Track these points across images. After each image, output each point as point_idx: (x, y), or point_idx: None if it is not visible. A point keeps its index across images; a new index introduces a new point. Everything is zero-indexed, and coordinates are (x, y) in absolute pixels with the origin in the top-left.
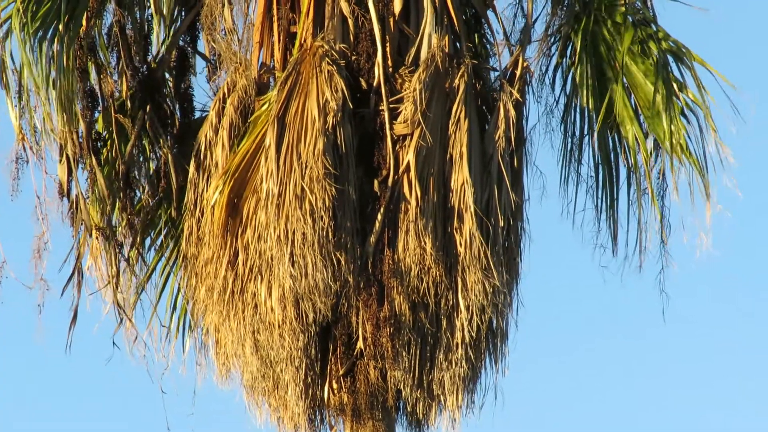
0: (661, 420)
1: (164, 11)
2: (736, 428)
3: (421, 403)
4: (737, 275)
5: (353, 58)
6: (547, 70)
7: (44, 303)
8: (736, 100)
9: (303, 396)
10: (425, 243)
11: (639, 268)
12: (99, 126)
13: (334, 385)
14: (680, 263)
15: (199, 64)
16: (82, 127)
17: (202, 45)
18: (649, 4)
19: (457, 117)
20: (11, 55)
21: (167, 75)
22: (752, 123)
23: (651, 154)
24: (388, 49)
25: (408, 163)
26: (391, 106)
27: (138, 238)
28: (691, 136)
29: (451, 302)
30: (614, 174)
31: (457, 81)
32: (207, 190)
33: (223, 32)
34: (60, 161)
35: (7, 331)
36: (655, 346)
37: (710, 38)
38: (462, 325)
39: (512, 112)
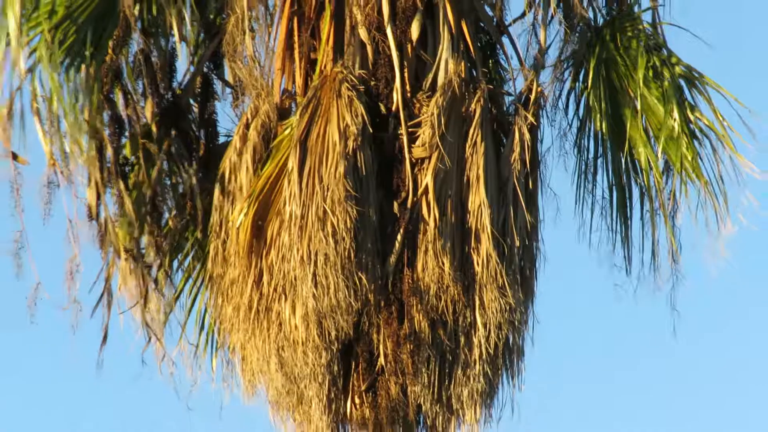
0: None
1: (188, 40)
2: None
3: (440, 417)
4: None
5: (372, 83)
6: (560, 94)
7: (77, 323)
8: (750, 122)
9: (326, 411)
10: (443, 263)
11: (654, 286)
12: (126, 151)
13: (357, 400)
14: (696, 280)
15: (223, 90)
16: (109, 152)
17: (226, 72)
18: (659, 29)
19: (473, 140)
20: (41, 83)
21: (192, 101)
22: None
23: (663, 175)
24: (406, 74)
25: (426, 185)
26: (409, 129)
27: (166, 260)
28: (704, 158)
29: (468, 320)
30: (627, 195)
31: (473, 105)
32: (232, 213)
33: (246, 59)
34: (89, 185)
35: (41, 351)
36: (669, 363)
37: (722, 62)
38: (479, 341)
39: (527, 136)
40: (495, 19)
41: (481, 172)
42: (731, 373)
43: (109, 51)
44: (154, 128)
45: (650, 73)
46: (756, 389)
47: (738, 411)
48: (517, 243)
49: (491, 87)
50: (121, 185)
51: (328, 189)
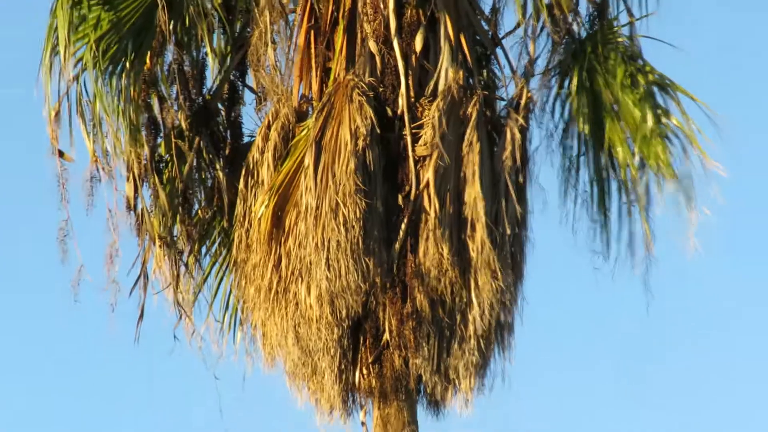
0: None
1: (217, 51)
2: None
3: (439, 387)
4: (725, 274)
5: (380, 89)
6: (547, 99)
7: (116, 302)
8: (716, 124)
9: (337, 380)
10: (443, 249)
11: (631, 271)
12: (161, 150)
13: (364, 371)
14: (669, 265)
15: (248, 96)
16: (146, 150)
17: (250, 79)
18: (636, 41)
19: (469, 140)
20: (85, 88)
21: (220, 105)
22: (732, 143)
23: (638, 171)
24: (410, 81)
25: (427, 180)
26: (413, 131)
27: (195, 246)
28: (674, 157)
29: (465, 300)
30: (606, 189)
31: (470, 109)
32: (254, 205)
33: (268, 68)
34: (127, 180)
35: (84, 327)
36: (641, 338)
37: (694, 70)
38: (474, 319)
39: (518, 136)
40: (490, 33)
41: (476, 168)
42: (702, 347)
43: (147, 60)
44: (185, 129)
45: (627, 81)
46: (724, 359)
47: (707, 381)
48: (508, 231)
49: (486, 93)
50: (156, 180)
51: (340, 183)
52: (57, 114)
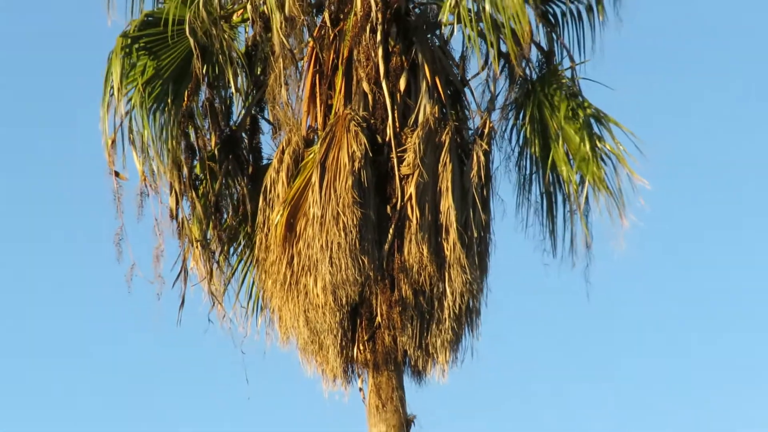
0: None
1: (241, 90)
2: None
3: (421, 360)
4: (650, 269)
5: (372, 121)
6: (506, 129)
7: (161, 293)
8: (642, 148)
9: (339, 355)
10: (423, 249)
11: (573, 265)
12: (197, 170)
13: (361, 347)
14: (603, 261)
15: (265, 126)
16: (185, 170)
17: (268, 113)
18: (576, 81)
19: (444, 162)
20: (135, 122)
21: (243, 134)
22: (653, 162)
23: (578, 186)
24: (396, 115)
25: (410, 193)
26: (398, 154)
27: (225, 247)
28: (608, 174)
29: (441, 289)
30: (554, 200)
31: (444, 137)
32: (272, 214)
33: (282, 104)
34: (170, 194)
35: (136, 313)
36: (582, 319)
37: (622, 104)
38: (449, 305)
39: (482, 158)
40: (459, 76)
41: (449, 184)
42: (633, 326)
43: (185, 98)
44: (216, 153)
45: (569, 114)
46: (655, 337)
47: (643, 352)
48: (475, 235)
49: (457, 124)
50: (193, 194)
51: (340, 197)
52: (113, 142)
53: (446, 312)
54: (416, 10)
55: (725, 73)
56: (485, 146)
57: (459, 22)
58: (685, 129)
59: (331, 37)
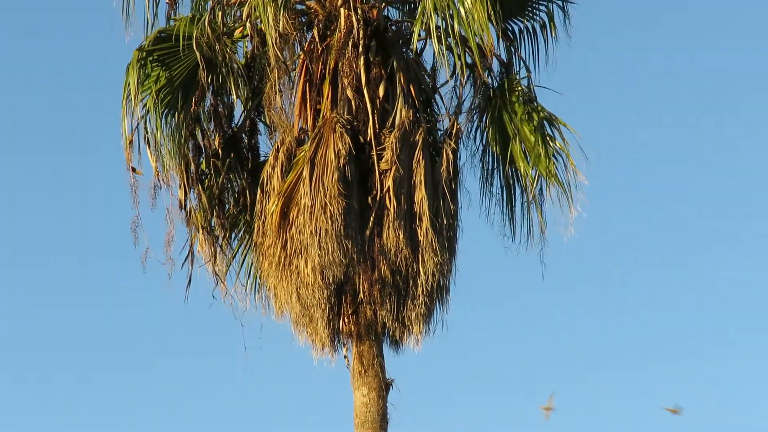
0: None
1: (241, 97)
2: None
3: (398, 331)
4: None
5: (355, 123)
6: (471, 130)
7: (171, 272)
8: (583, 146)
9: (327, 326)
10: (399, 234)
11: (527, 249)
12: (203, 166)
13: (346, 320)
14: (555, 244)
15: (263, 128)
16: (192, 167)
17: (265, 117)
18: (532, 88)
19: (417, 159)
20: (150, 124)
21: (244, 135)
22: (594, 160)
23: (534, 180)
24: (375, 118)
25: (388, 186)
26: (378, 152)
27: (227, 233)
28: (559, 170)
29: (415, 270)
30: (513, 192)
31: (417, 137)
32: (268, 204)
33: (277, 109)
34: (180, 187)
35: (151, 290)
36: (541, 295)
37: (572, 108)
38: (422, 283)
39: (451, 156)
40: (431, 84)
41: (422, 178)
42: (579, 301)
43: (193, 104)
44: (220, 152)
45: (525, 117)
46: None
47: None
48: (445, 222)
49: (429, 125)
50: (200, 187)
51: (327, 189)
52: (130, 142)
53: (420, 289)
54: (393, 27)
55: (661, 76)
56: (453, 145)
57: (430, 37)
58: (626, 128)
59: (319, 51)
